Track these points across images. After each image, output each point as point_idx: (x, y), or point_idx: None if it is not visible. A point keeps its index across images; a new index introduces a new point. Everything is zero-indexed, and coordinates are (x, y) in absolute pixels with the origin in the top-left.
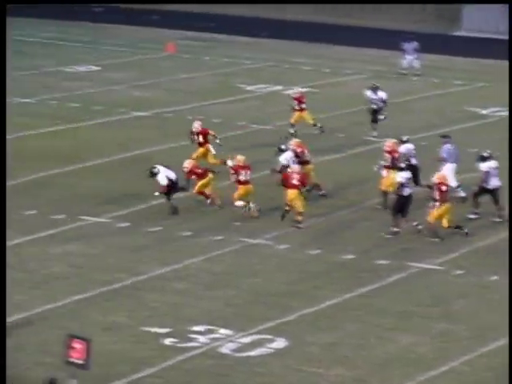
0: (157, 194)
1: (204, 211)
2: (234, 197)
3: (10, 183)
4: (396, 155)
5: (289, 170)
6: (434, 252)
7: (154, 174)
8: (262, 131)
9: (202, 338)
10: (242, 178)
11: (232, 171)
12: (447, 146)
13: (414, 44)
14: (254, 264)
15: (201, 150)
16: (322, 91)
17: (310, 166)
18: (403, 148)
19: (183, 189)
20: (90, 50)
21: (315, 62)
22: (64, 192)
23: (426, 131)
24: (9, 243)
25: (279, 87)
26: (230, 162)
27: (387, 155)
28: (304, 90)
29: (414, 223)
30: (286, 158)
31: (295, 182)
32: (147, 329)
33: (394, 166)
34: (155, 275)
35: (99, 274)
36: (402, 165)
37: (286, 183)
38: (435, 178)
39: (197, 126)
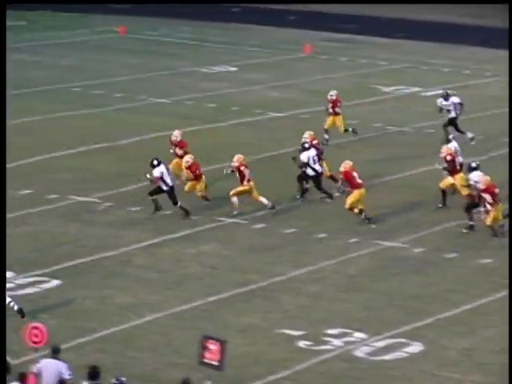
0: (148, 176)
1: (340, 213)
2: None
3: (146, 183)
4: (451, 158)
5: (342, 167)
6: None
7: (153, 166)
8: (399, 133)
9: (336, 341)
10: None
11: (238, 171)
12: None
13: None
14: (390, 267)
15: (176, 161)
16: (461, 93)
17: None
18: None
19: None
20: (226, 50)
21: (454, 64)
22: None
23: None
24: (144, 243)
25: (417, 89)
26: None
27: (444, 162)
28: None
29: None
30: (308, 155)
31: (359, 180)
32: (282, 331)
33: (454, 170)
34: (290, 277)
35: (234, 274)
36: (473, 164)
37: (352, 184)
38: (481, 185)
39: (176, 134)
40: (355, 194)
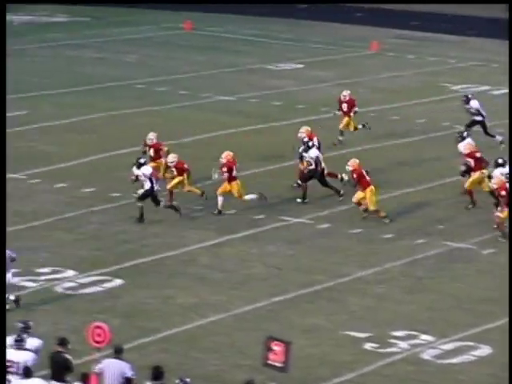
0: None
1: (407, 213)
2: (236, 194)
3: (209, 182)
4: (477, 155)
5: (350, 166)
6: None
7: (139, 164)
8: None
9: (402, 344)
10: (234, 173)
11: (225, 168)
12: None
13: None
14: (457, 268)
15: (152, 164)
16: None
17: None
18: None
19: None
20: (292, 47)
21: None
22: (264, 192)
23: None
24: (207, 243)
25: (486, 87)
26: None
27: (468, 158)
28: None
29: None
30: (316, 153)
31: (367, 178)
32: (347, 332)
33: (477, 166)
34: (356, 278)
35: (299, 275)
36: (500, 160)
37: (361, 183)
38: (494, 184)
39: (151, 137)
40: (366, 192)
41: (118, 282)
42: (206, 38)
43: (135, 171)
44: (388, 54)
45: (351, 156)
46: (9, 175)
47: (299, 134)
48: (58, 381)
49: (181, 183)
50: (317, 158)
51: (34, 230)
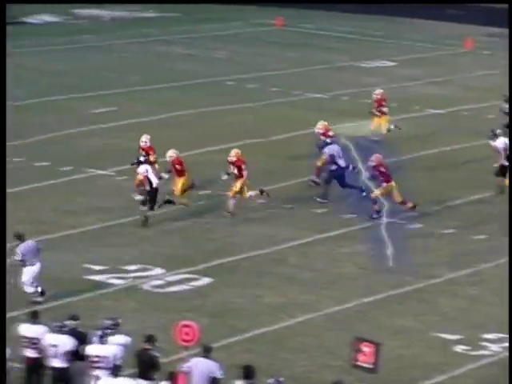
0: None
1: (499, 214)
2: (245, 193)
3: (295, 181)
4: None
5: (371, 162)
6: None
7: (139, 162)
8: None
9: (493, 347)
10: (243, 172)
11: (243, 165)
12: None
13: None
14: None
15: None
16: None
17: None
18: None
19: (170, 201)
20: (386, 44)
21: None
22: (355, 191)
23: None
24: (297, 242)
25: None
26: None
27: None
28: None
29: None
30: (332, 149)
31: (389, 173)
32: (437, 334)
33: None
34: (447, 279)
35: (389, 276)
36: None
37: (383, 177)
38: None
39: (145, 139)
40: (386, 187)
41: (206, 280)
42: (297, 35)
43: (138, 170)
44: (482, 52)
45: (439, 156)
46: (97, 172)
47: (316, 130)
48: (145, 379)
49: (183, 184)
50: (332, 155)
51: (122, 227)
